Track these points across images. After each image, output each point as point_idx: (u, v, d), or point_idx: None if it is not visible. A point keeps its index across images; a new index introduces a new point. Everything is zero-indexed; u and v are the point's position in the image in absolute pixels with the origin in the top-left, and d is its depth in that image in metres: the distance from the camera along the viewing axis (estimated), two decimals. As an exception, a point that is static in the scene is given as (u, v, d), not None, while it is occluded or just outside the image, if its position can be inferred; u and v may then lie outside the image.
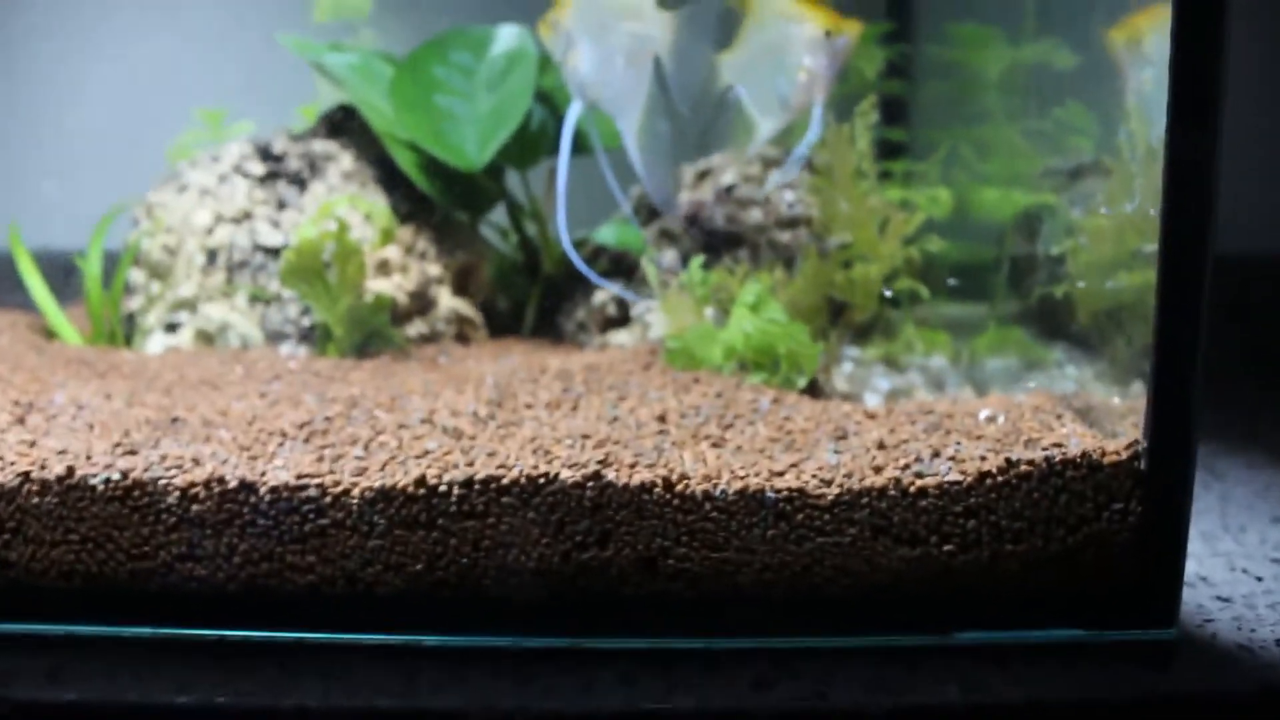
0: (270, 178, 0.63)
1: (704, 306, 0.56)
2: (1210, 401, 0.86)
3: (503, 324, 0.65)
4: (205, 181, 0.62)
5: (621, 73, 0.56)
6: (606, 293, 0.62)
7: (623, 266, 0.63)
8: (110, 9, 0.83)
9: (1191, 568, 0.51)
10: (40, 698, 0.35)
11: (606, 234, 0.60)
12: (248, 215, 0.60)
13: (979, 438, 0.43)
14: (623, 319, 0.61)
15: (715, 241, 0.62)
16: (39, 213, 0.76)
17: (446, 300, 0.61)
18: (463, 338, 0.62)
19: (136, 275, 0.61)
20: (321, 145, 0.64)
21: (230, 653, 0.38)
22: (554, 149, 0.65)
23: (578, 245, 0.64)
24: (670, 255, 0.62)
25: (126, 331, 0.60)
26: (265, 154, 0.63)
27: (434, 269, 0.61)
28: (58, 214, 0.72)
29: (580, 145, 0.65)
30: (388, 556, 0.39)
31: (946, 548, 0.39)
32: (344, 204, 0.55)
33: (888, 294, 0.61)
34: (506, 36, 0.64)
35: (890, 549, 0.39)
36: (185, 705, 0.35)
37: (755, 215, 0.61)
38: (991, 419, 0.45)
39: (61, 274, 0.64)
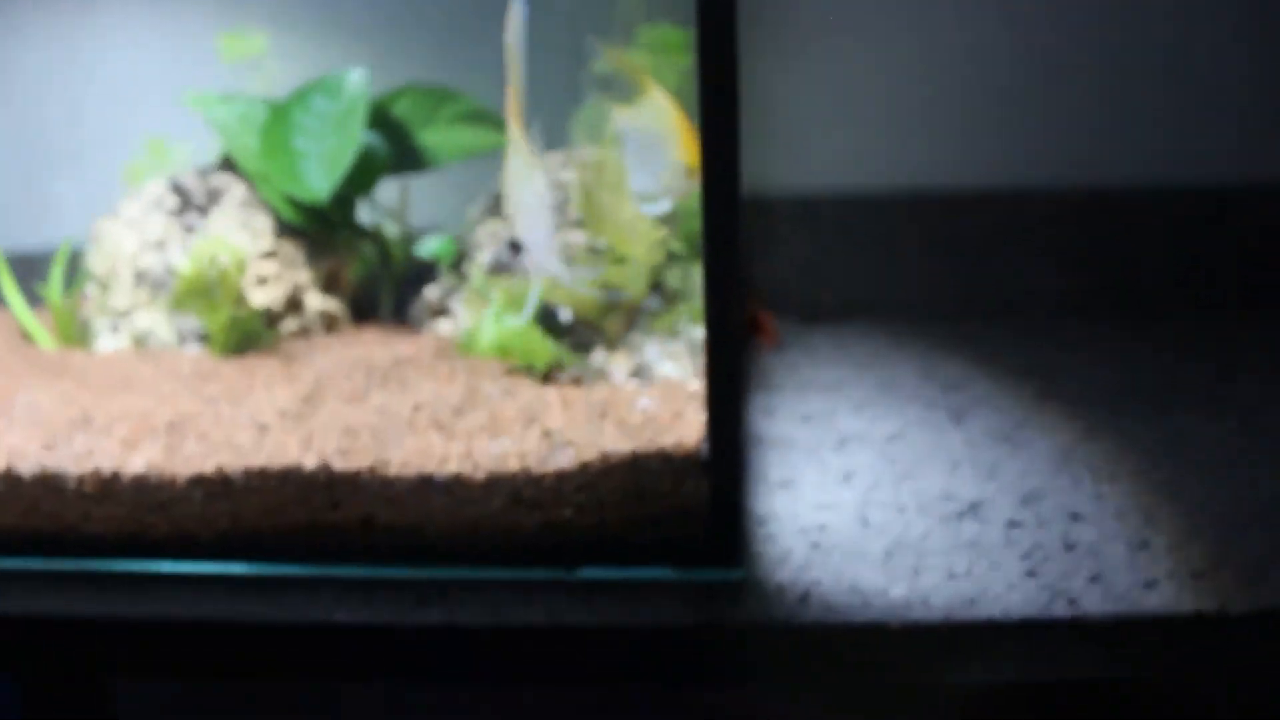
0: (181, 209, 0.87)
1: (486, 307, 0.78)
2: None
3: (370, 311, 0.89)
4: (133, 214, 0.87)
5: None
6: (436, 288, 0.84)
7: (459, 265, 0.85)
8: (83, 32, 1.08)
9: (825, 516, 0.71)
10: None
11: (428, 247, 0.83)
12: (163, 243, 0.85)
13: (620, 424, 0.64)
14: (444, 310, 0.84)
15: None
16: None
17: (314, 301, 0.85)
18: (330, 328, 0.86)
19: (89, 287, 0.88)
20: (220, 179, 0.88)
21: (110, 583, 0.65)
22: (390, 169, 0.87)
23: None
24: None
25: (83, 332, 0.87)
26: (178, 189, 0.88)
27: (303, 275, 0.85)
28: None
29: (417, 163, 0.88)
30: (206, 518, 0.65)
31: (567, 511, 0.62)
32: (212, 245, 0.79)
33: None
34: (352, 82, 0.85)
35: (527, 514, 0.62)
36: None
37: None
38: (646, 407, 0.66)
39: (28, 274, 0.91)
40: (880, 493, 0.72)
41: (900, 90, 1.15)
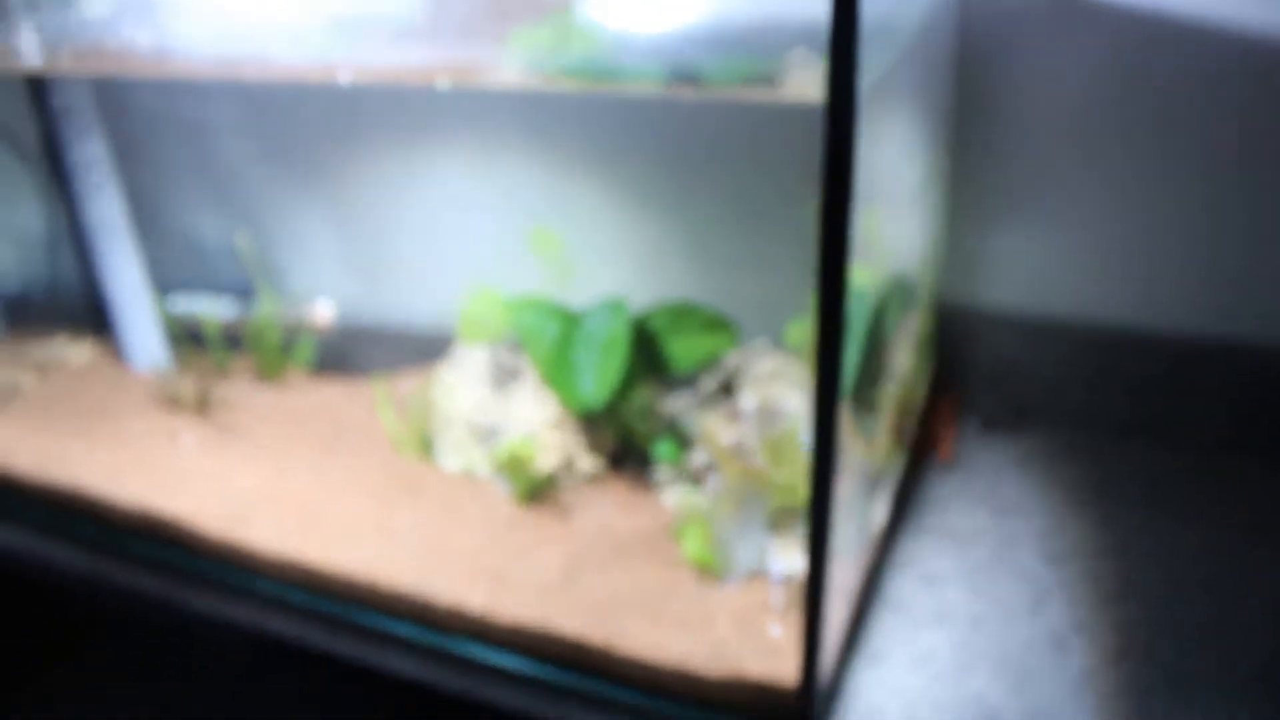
0: (497, 378, 1.30)
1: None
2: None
3: (624, 461, 1.31)
4: (467, 375, 1.31)
5: None
6: (665, 471, 1.24)
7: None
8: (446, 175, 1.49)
9: (888, 702, 1.08)
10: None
11: (660, 450, 1.22)
12: (485, 407, 1.29)
13: (757, 643, 1.04)
14: (670, 483, 1.24)
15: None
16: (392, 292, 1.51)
17: (583, 463, 1.27)
18: (594, 481, 1.29)
19: (438, 416, 1.34)
20: (523, 360, 1.30)
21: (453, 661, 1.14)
22: (647, 373, 1.25)
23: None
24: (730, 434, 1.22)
25: (429, 444, 1.34)
26: (495, 360, 1.31)
27: (575, 443, 1.27)
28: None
29: (666, 367, 1.25)
30: (512, 640, 1.12)
31: (711, 692, 1.04)
32: (519, 445, 1.22)
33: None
34: (621, 310, 1.22)
35: (687, 687, 1.04)
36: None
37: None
38: (776, 634, 1.05)
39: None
40: (936, 686, 1.08)
41: (1100, 236, 1.39)
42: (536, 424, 1.25)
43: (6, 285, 1.70)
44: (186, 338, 1.59)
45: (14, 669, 1.59)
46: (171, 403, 1.52)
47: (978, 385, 1.54)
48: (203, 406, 1.51)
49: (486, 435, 1.29)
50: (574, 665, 1.09)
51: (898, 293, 1.29)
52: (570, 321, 1.25)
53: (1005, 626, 1.16)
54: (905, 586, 1.22)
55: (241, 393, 1.53)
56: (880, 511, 1.24)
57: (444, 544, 1.20)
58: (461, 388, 1.31)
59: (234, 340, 1.57)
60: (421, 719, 1.16)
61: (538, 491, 1.26)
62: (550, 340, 1.24)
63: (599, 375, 1.22)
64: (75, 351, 1.69)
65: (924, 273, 1.40)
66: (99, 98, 1.51)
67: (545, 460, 1.26)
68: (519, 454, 1.21)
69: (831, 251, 0.77)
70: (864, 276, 1.25)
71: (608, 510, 1.24)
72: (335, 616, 1.18)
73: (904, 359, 1.31)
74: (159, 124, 1.56)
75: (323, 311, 1.48)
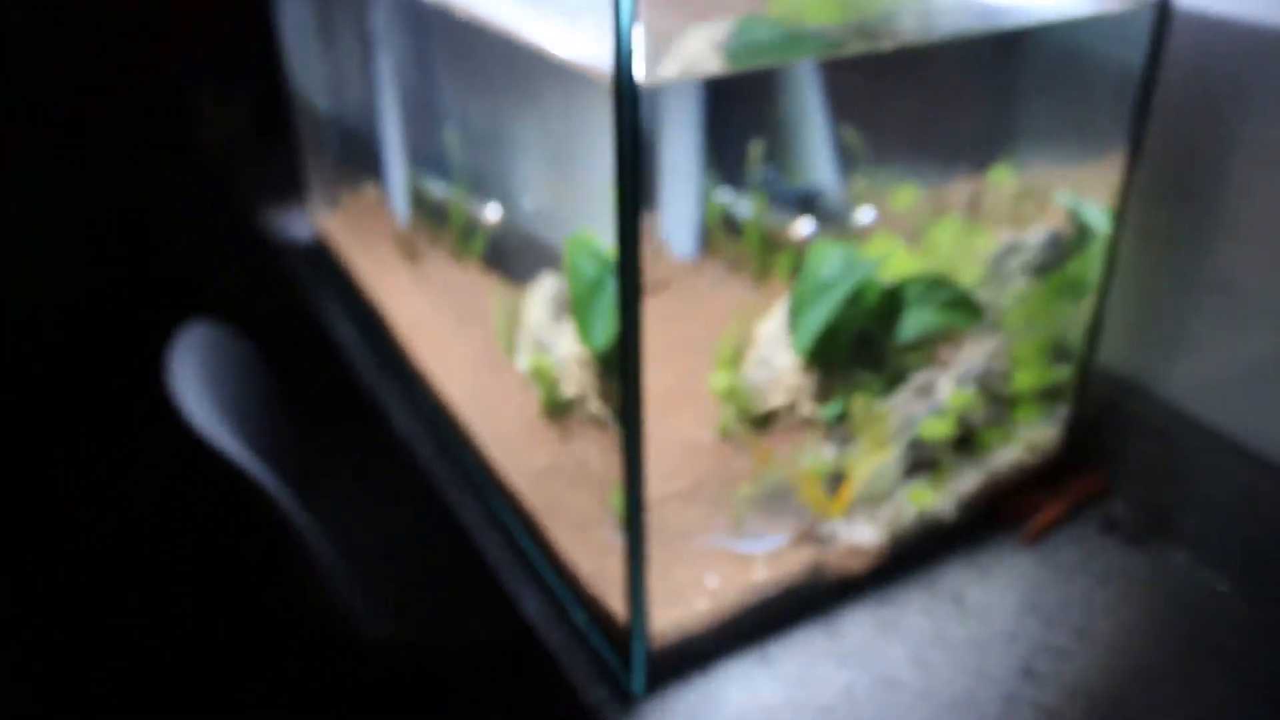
0: (555, 306, 1.63)
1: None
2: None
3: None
4: (539, 298, 1.65)
5: None
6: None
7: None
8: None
9: (740, 697, 1.23)
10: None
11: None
12: (544, 326, 1.64)
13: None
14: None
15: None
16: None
17: (591, 404, 1.58)
18: (595, 422, 1.59)
19: (524, 326, 1.71)
20: (575, 296, 1.61)
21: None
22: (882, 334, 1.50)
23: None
24: None
25: (512, 347, 1.72)
26: (558, 293, 1.63)
27: (591, 383, 1.58)
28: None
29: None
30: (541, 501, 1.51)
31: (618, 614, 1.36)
32: (540, 359, 1.55)
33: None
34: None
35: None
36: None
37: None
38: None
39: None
40: (783, 710, 1.14)
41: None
42: (569, 355, 1.58)
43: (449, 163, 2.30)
44: (419, 203, 2.08)
45: (297, 424, 2.27)
46: (400, 246, 2.05)
47: (1127, 481, 1.38)
48: (413, 256, 2.02)
49: (539, 349, 1.65)
50: (527, 529, 1.48)
51: (934, 295, 1.38)
52: (606, 270, 1.51)
53: (911, 700, 1.11)
54: (859, 622, 1.20)
55: (435, 260, 2.01)
56: (865, 532, 1.33)
57: (492, 415, 1.61)
58: (533, 307, 1.66)
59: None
60: (446, 521, 1.60)
61: (557, 409, 1.60)
62: (586, 281, 1.52)
63: (606, 325, 1.49)
64: (371, 191, 2.26)
65: (1037, 317, 1.43)
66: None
67: (567, 388, 1.59)
68: (540, 368, 1.56)
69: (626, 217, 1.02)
70: (879, 249, 1.38)
71: (591, 448, 1.55)
72: (437, 428, 1.72)
73: (945, 385, 1.41)
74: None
75: (489, 214, 1.88)
